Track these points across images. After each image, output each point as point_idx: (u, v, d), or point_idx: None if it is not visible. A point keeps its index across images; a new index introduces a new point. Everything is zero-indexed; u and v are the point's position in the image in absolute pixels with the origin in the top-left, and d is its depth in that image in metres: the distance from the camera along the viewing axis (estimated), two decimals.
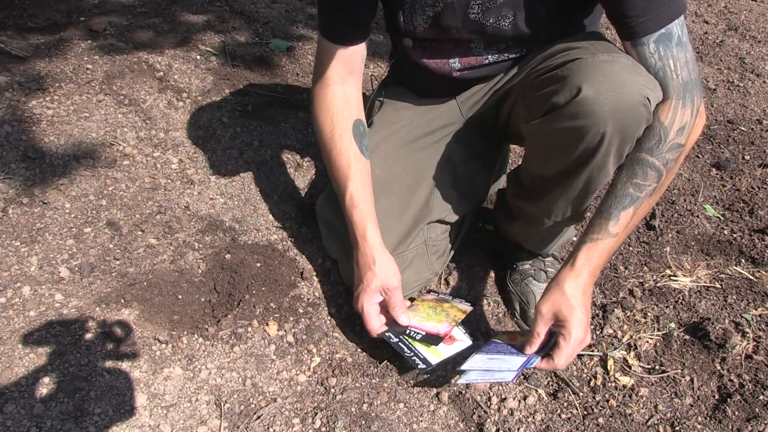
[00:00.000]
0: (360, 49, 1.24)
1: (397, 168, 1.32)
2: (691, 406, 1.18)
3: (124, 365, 1.13)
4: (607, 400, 1.19)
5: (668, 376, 1.23)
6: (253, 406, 1.14)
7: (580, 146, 1.02)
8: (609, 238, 1.06)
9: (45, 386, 1.06)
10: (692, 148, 2.00)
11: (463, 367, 1.11)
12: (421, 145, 1.36)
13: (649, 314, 1.37)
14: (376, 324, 1.20)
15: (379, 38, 2.40)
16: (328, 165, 1.27)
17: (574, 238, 1.54)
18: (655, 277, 1.48)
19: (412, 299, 1.37)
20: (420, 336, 1.20)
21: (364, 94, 1.34)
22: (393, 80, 1.48)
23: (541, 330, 1.09)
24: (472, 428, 1.16)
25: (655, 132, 1.02)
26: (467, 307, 1.33)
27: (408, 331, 1.22)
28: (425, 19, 1.19)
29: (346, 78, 1.25)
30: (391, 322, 1.23)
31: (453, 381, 1.23)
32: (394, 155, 1.33)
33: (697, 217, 1.69)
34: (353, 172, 1.21)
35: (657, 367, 1.25)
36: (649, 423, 1.15)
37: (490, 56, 1.23)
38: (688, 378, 1.23)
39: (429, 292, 1.41)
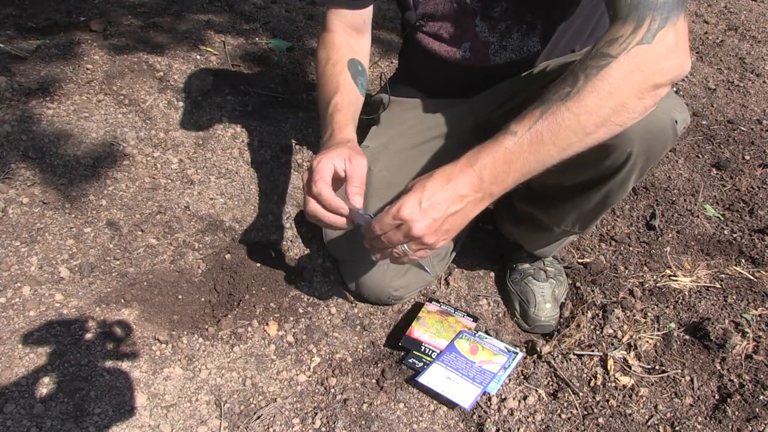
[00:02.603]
0: (364, 13, 1.21)
1: (405, 171, 1.31)
2: (691, 406, 1.18)
3: (124, 365, 1.13)
4: (607, 400, 1.19)
5: (668, 376, 1.23)
6: (253, 406, 1.14)
7: (605, 163, 1.02)
8: (508, 136, 0.88)
9: (45, 386, 1.06)
10: (692, 148, 2.00)
11: (420, 380, 1.16)
12: (428, 148, 1.35)
13: (649, 314, 1.37)
14: (330, 196, 0.95)
15: (389, 37, 2.41)
16: (317, 92, 1.19)
17: (573, 238, 1.55)
18: (655, 277, 1.48)
19: (418, 307, 1.37)
20: (436, 353, 1.24)
21: (369, 94, 1.32)
22: (401, 78, 1.48)
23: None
24: (472, 428, 1.15)
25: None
26: (470, 323, 1.34)
27: (423, 349, 1.24)
28: None
29: (351, 32, 1.23)
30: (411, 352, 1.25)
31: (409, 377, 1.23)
32: (401, 157, 1.32)
33: (697, 217, 1.69)
34: (341, 92, 1.12)
35: (657, 367, 1.25)
36: (649, 423, 1.15)
37: (494, 39, 1.22)
38: (688, 378, 1.23)
39: (431, 301, 1.40)
